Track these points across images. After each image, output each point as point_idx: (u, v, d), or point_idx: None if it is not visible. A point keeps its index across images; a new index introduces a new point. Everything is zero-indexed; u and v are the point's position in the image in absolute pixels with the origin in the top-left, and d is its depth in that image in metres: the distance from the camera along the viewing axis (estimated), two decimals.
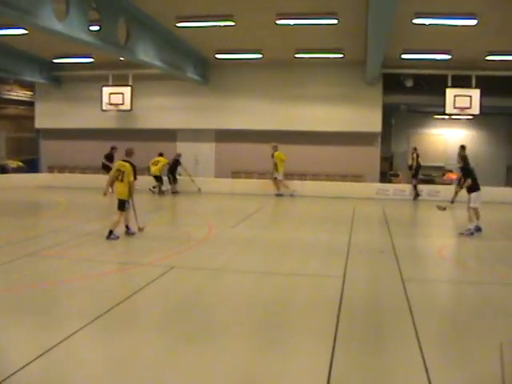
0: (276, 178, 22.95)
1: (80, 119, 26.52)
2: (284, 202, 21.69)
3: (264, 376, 5.61)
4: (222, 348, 6.30)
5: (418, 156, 23.21)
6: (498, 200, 21.72)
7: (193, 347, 6.32)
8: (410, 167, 23.47)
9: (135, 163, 13.04)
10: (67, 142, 27.09)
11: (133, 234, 13.20)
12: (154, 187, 23.11)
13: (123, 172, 12.81)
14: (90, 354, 6.13)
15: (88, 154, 26.66)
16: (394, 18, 13.12)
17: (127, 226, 13.23)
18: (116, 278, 9.62)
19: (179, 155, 23.39)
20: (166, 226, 16.31)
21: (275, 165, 22.73)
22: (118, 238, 12.79)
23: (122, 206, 12.94)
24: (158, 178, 22.97)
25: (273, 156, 22.81)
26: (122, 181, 12.84)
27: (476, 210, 14.43)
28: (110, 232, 12.70)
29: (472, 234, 14.21)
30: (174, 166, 23.37)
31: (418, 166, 23.16)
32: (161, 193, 22.99)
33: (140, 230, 13.31)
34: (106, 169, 20.29)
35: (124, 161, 13.12)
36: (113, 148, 21.62)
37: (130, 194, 12.87)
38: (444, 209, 14.98)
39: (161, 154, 22.92)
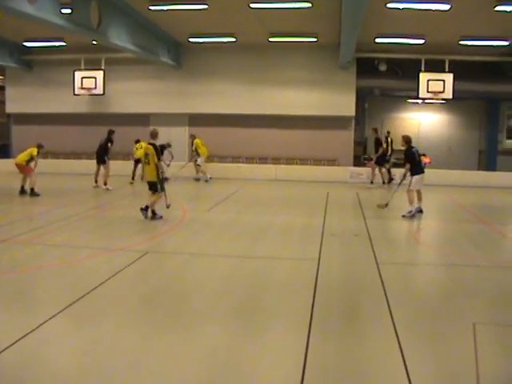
0: (197, 162, 22.86)
1: (52, 104, 26.23)
2: (258, 186, 21.66)
3: (241, 360, 5.61)
4: (198, 333, 6.29)
5: (391, 140, 23.29)
6: (470, 184, 22.02)
7: (169, 332, 6.31)
8: (384, 152, 23.54)
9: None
10: (39, 126, 26.75)
11: (160, 217, 13.51)
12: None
13: (149, 154, 13.16)
14: (64, 341, 6.07)
15: (61, 139, 26.40)
16: (368, 2, 13.12)
17: (153, 211, 13.52)
18: (90, 263, 9.54)
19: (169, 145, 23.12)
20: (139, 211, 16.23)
21: (195, 151, 22.67)
22: (161, 217, 13.47)
23: (154, 187, 13.33)
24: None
25: (192, 144, 22.84)
26: (149, 163, 13.22)
27: (418, 193, 14.57)
28: (153, 213, 13.41)
29: (413, 215, 14.40)
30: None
31: (391, 151, 23.27)
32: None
33: (167, 207, 13.93)
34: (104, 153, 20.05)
35: (149, 143, 13.47)
36: (112, 132, 20.87)
37: (158, 175, 13.21)
38: (386, 205, 15.05)
39: (138, 141, 22.59)
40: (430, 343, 6.09)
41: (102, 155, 19.95)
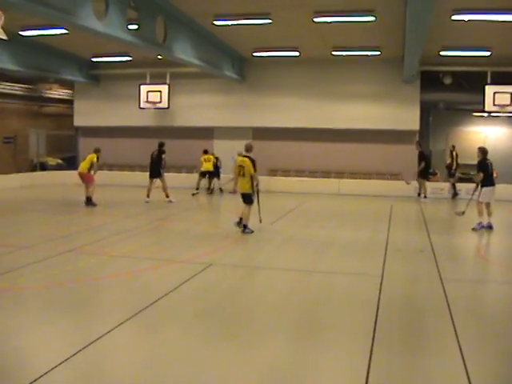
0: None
1: (118, 117, 26.80)
2: (321, 200, 21.58)
3: (301, 375, 5.58)
4: (258, 347, 6.30)
5: (456, 155, 22.96)
6: None
7: (230, 345, 6.35)
8: (449, 166, 23.23)
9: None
10: (105, 139, 27.26)
11: (251, 232, 13.65)
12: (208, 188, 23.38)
13: (244, 167, 13.41)
14: (127, 351, 6.19)
15: (126, 151, 26.97)
16: (433, 14, 12.98)
17: (245, 225, 13.74)
18: (154, 274, 9.68)
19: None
20: (204, 223, 16.37)
21: None
22: (252, 232, 13.56)
23: (249, 198, 13.62)
24: (213, 174, 23.21)
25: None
26: (243, 176, 13.47)
27: (487, 206, 14.36)
28: (245, 226, 13.63)
29: (482, 227, 14.44)
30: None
31: (457, 165, 22.93)
32: (210, 191, 23.36)
33: (261, 221, 14.17)
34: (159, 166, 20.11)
35: (244, 156, 13.75)
36: (162, 144, 21.04)
37: (253, 187, 13.59)
38: (463, 213, 14.85)
39: (205, 152, 22.76)
40: (495, 362, 5.95)
41: (157, 168, 19.96)
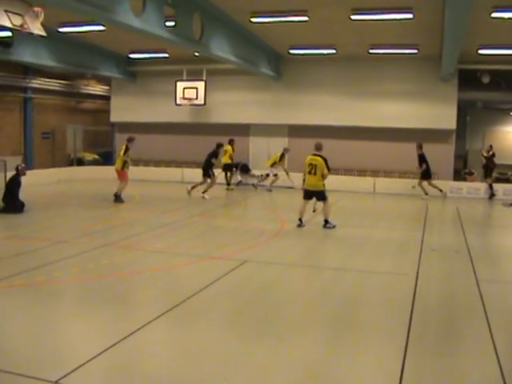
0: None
1: (154, 113, 26.96)
2: (357, 199, 21.46)
3: (334, 375, 5.59)
4: (291, 344, 6.31)
5: (493, 154, 22.69)
6: None
7: (262, 342, 6.37)
8: (485, 166, 22.96)
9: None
10: (141, 135, 27.33)
11: (302, 226, 14.14)
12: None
13: (315, 165, 13.75)
14: (160, 346, 6.28)
15: (162, 147, 27.14)
16: (472, 11, 12.84)
17: (326, 220, 14.19)
18: (189, 270, 9.75)
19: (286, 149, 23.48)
20: (238, 220, 16.41)
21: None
22: (334, 226, 14.03)
23: (322, 196, 14.08)
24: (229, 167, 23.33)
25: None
26: (315, 174, 13.79)
27: None
28: (326, 221, 14.04)
29: None
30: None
31: (493, 165, 22.67)
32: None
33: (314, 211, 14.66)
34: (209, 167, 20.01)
35: (314, 155, 13.99)
36: (220, 146, 21.03)
37: (324, 184, 14.00)
38: (511, 205, 14.88)
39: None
40: None
41: (207, 169, 19.95)
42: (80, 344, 6.19)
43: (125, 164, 18.12)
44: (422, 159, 21.48)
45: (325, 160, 13.80)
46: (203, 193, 19.67)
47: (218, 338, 6.48)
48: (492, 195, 22.25)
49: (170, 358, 5.94)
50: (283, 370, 5.61)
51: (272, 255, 11.13)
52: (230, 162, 23.14)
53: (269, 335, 6.60)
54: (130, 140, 18.32)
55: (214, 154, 20.19)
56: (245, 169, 24.97)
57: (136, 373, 5.50)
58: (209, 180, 19.96)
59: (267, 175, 23.30)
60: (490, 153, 22.69)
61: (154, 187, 22.91)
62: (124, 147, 18.17)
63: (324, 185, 13.94)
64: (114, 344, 6.00)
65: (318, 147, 14.15)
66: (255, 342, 6.40)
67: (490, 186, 22.37)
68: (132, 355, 5.93)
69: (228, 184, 22.86)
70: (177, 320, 7.05)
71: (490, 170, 22.62)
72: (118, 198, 17.94)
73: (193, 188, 19.85)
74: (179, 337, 6.56)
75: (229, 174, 23.43)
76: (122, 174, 18.18)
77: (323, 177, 13.80)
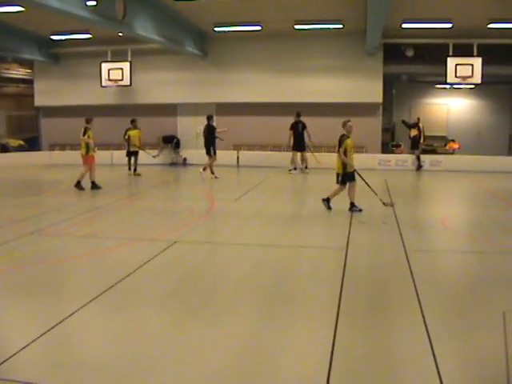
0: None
1: (79, 96, 26.38)
2: (284, 175, 21.55)
3: (267, 349, 5.62)
4: (224, 322, 6.31)
5: (422, 127, 23.08)
6: (500, 169, 21.74)
7: (196, 321, 6.35)
8: (414, 138, 23.31)
9: None
10: (67, 119, 26.93)
11: (359, 210, 13.13)
12: None
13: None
14: (93, 330, 6.17)
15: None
16: None
17: (352, 203, 13.26)
18: (119, 253, 9.62)
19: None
20: (167, 201, 16.29)
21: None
22: (360, 210, 13.09)
23: (342, 179, 13.17)
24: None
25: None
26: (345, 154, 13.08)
27: None
28: (352, 204, 13.14)
29: None
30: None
31: (424, 137, 23.10)
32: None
33: (386, 204, 13.41)
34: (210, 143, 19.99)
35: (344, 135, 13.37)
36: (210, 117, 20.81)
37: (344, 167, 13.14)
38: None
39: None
40: (459, 332, 6.04)
41: (207, 146, 20.04)
42: (10, 334, 6.05)
43: (88, 147, 17.06)
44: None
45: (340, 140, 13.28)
46: (203, 170, 20.02)
47: (151, 319, 6.42)
48: (419, 166, 22.72)
49: (104, 341, 5.86)
50: (217, 348, 5.60)
51: (202, 235, 11.09)
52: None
53: (201, 314, 6.58)
54: (87, 121, 17.35)
55: (212, 128, 20.28)
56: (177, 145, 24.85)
57: (70, 359, 5.40)
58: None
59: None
60: (420, 125, 23.05)
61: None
62: (83, 130, 17.16)
63: (342, 167, 13.16)
64: (46, 332, 5.86)
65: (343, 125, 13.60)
66: (188, 321, 6.36)
67: (418, 158, 22.83)
68: (65, 342, 5.82)
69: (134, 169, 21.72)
70: (109, 304, 6.95)
71: (417, 141, 23.02)
72: (77, 185, 16.98)
73: (205, 169, 20.02)
74: (112, 320, 6.47)
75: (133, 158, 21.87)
76: (86, 159, 17.19)
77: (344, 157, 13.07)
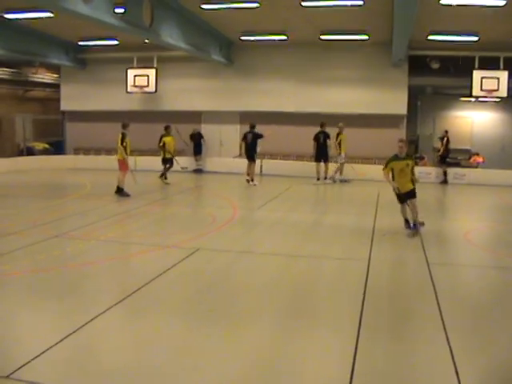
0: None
1: (104, 101, 26.62)
2: (307, 185, 21.51)
3: (285, 362, 5.62)
4: (244, 332, 6.34)
5: (448, 140, 22.90)
6: None
7: (216, 330, 6.37)
8: (441, 151, 23.13)
9: None
10: (92, 124, 27.19)
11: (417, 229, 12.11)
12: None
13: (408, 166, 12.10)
14: (114, 336, 6.23)
15: (113, 136, 26.63)
16: None
17: (407, 220, 12.31)
18: (141, 259, 9.69)
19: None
20: (190, 207, 16.37)
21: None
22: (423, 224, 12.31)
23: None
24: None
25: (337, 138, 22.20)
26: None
27: None
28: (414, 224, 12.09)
29: None
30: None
31: (448, 151, 22.97)
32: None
33: (421, 224, 12.27)
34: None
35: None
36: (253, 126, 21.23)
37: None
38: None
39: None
40: (481, 348, 6.02)
41: (251, 153, 20.64)
42: (32, 337, 6.09)
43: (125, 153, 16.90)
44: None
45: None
46: (252, 180, 20.48)
47: (171, 326, 6.46)
48: (445, 181, 22.58)
49: (124, 347, 5.91)
50: (235, 358, 5.62)
51: (224, 243, 11.12)
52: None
53: (222, 323, 6.60)
54: (124, 126, 17.30)
55: (259, 136, 20.68)
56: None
57: (89, 365, 5.44)
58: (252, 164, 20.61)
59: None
60: (445, 139, 22.87)
61: (106, 176, 22.55)
62: (120, 136, 17.13)
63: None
64: (67, 336, 5.92)
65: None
66: (209, 329, 6.38)
67: (445, 173, 22.69)
68: (85, 347, 5.87)
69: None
70: (130, 310, 7.01)
71: (445, 156, 22.88)
72: (119, 191, 16.80)
73: (249, 175, 20.60)
74: (133, 326, 6.53)
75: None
76: (120, 164, 17.03)
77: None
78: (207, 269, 9.18)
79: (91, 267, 9.11)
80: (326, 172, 21.83)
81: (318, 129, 21.65)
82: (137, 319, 6.71)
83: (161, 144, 20.45)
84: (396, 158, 12.07)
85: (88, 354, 5.71)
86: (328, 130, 21.67)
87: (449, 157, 23.16)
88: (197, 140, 24.57)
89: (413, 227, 12.07)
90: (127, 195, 16.68)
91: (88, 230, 11.89)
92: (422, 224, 12.30)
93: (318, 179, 21.65)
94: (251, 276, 8.83)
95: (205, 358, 5.61)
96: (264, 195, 18.13)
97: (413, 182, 12.11)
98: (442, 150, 22.81)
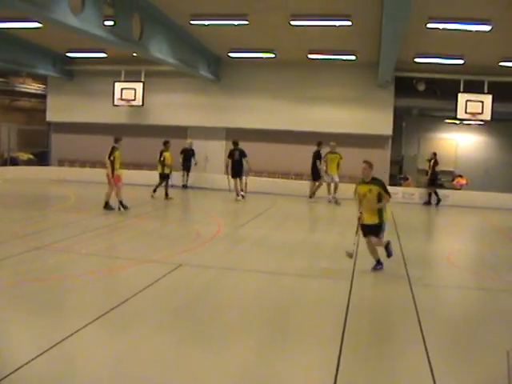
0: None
1: (91, 113, 26.56)
2: (294, 202, 21.54)
3: (270, 379, 5.62)
4: (226, 349, 6.32)
5: (435, 162, 22.93)
6: (507, 206, 21.69)
7: (197, 347, 6.35)
8: (429, 173, 23.15)
9: None
10: (78, 135, 27.15)
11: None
12: None
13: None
14: (95, 351, 6.16)
15: (98, 148, 26.61)
16: (408, 21, 13.11)
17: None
18: (124, 274, 9.64)
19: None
20: (175, 223, 16.33)
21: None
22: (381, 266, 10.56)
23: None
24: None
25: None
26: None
27: None
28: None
29: None
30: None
31: (432, 173, 23.05)
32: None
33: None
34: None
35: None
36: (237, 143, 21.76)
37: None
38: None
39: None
40: (461, 369, 6.05)
41: (239, 169, 21.06)
42: (10, 351, 6.03)
43: (113, 167, 16.47)
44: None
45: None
46: (242, 191, 20.97)
47: (153, 342, 6.41)
48: (429, 202, 22.68)
49: (105, 363, 5.84)
50: (218, 375, 5.60)
51: (208, 259, 11.08)
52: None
53: (204, 340, 6.57)
54: (116, 140, 16.88)
55: (244, 155, 21.09)
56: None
57: (68, 381, 5.38)
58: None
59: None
60: (433, 161, 22.91)
61: (90, 188, 22.51)
62: (109, 149, 16.65)
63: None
64: (46, 351, 5.84)
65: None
66: (190, 346, 6.36)
67: (429, 195, 22.77)
68: (66, 361, 5.80)
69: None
70: (111, 325, 6.95)
71: (434, 179, 22.93)
72: (106, 205, 16.52)
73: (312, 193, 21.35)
74: (113, 342, 6.47)
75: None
76: (110, 178, 16.49)
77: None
78: (190, 285, 9.15)
79: (73, 280, 9.03)
80: (311, 191, 21.90)
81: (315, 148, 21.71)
82: (118, 335, 6.65)
83: (161, 159, 20.36)
84: (361, 181, 10.71)
85: (69, 368, 5.64)
86: (325, 149, 21.76)
87: (437, 179, 23.24)
88: (188, 155, 24.43)
89: (378, 265, 10.46)
90: (111, 208, 16.53)
91: (70, 242, 11.81)
92: (388, 244, 10.61)
93: (310, 197, 21.73)
94: (234, 293, 8.82)
95: (188, 375, 5.58)
96: (249, 212, 18.15)
97: (380, 214, 10.29)
98: (429, 172, 22.88)
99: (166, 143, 20.86)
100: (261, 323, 7.29)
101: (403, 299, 8.58)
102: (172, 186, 22.24)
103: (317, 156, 21.50)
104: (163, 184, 20.61)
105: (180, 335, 6.69)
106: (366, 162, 10.72)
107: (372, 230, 10.28)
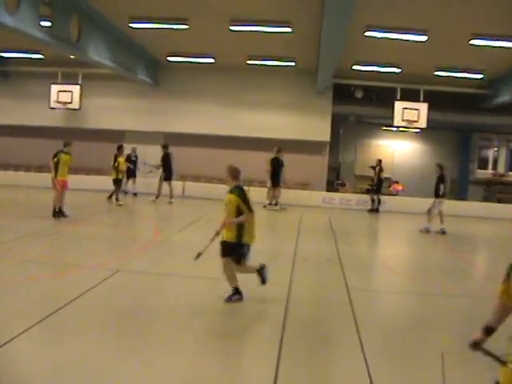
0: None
1: (27, 116, 25.96)
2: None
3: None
4: (163, 357, 6.21)
5: (380, 169, 23.11)
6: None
7: (137, 354, 6.24)
8: (375, 180, 23.30)
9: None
10: (12, 138, 26.55)
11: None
12: None
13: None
14: (27, 362, 5.98)
15: (34, 151, 26.14)
16: (347, 29, 13.28)
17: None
18: (58, 281, 9.41)
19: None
20: (111, 228, 16.12)
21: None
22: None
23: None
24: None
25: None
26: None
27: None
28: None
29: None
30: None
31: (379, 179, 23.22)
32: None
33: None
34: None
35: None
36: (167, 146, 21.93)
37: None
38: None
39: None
40: (398, 371, 6.13)
41: (169, 173, 21.50)
42: None
43: (57, 171, 15.69)
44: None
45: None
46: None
47: (89, 351, 6.25)
48: (377, 210, 22.84)
49: (38, 374, 5.68)
50: (155, 381, 5.55)
51: (145, 264, 10.95)
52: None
53: (142, 347, 6.47)
54: (65, 145, 16.15)
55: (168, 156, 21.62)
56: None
57: None
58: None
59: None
60: (377, 168, 23.09)
61: (25, 193, 22.05)
62: (53, 155, 15.96)
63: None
64: None
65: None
66: (128, 352, 6.26)
67: (373, 201, 22.96)
68: None
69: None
70: (43, 335, 6.76)
71: (379, 186, 23.08)
72: (56, 213, 15.72)
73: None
74: (48, 351, 6.29)
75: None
76: (56, 183, 15.73)
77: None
78: (127, 292, 9.02)
79: (5, 288, 8.78)
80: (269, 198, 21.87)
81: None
82: (51, 345, 6.46)
83: (115, 164, 19.97)
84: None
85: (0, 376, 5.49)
86: (263, 154, 21.77)
87: (382, 186, 23.45)
88: (132, 162, 23.28)
89: (234, 295, 8.52)
90: (64, 216, 15.85)
91: (4, 248, 11.48)
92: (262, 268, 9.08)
93: (270, 204, 21.68)
94: (171, 298, 8.73)
95: (123, 382, 5.49)
96: (186, 218, 18.03)
97: (239, 232, 8.66)
98: (375, 179, 23.12)
99: (119, 148, 20.52)
100: (199, 330, 7.23)
101: (341, 304, 8.63)
102: (127, 192, 22.06)
103: (277, 162, 21.30)
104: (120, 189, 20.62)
105: (117, 344, 6.55)
106: (228, 166, 9.44)
107: (230, 250, 8.63)
